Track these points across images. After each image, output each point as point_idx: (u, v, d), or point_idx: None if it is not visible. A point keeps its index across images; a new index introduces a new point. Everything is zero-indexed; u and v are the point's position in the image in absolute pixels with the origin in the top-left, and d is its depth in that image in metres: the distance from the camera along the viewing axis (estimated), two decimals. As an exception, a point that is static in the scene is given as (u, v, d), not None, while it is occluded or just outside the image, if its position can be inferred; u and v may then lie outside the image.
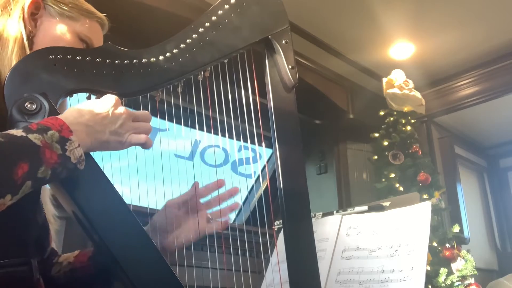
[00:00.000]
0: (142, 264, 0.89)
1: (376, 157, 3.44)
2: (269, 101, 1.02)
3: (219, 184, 1.19)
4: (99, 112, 0.88)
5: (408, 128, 3.37)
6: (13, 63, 0.92)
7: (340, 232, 1.30)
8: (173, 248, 1.10)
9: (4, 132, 0.76)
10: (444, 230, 3.16)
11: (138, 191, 0.99)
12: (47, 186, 0.99)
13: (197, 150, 2.81)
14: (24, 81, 0.88)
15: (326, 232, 1.33)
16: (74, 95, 0.96)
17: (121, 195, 0.91)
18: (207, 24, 1.02)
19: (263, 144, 1.17)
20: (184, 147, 2.31)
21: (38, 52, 0.93)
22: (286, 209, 0.96)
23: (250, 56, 1.03)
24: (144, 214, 1.03)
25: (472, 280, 3.03)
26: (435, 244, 3.06)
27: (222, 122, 1.03)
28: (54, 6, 1.02)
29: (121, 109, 0.91)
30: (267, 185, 3.18)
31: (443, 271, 2.95)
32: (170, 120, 1.02)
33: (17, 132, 0.77)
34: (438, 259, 3.03)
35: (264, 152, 1.17)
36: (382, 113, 3.47)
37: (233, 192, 1.18)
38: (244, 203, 3.29)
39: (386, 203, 1.29)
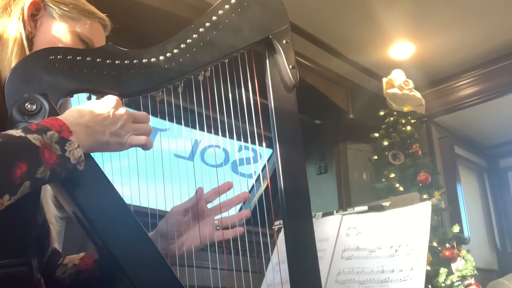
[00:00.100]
0: (142, 264, 0.89)
1: (376, 157, 3.44)
2: (270, 101, 1.02)
3: (228, 186, 1.15)
4: (99, 113, 0.88)
5: (408, 128, 3.37)
6: (13, 63, 0.92)
7: (340, 232, 1.30)
8: (177, 256, 1.10)
9: (3, 132, 0.76)
10: (444, 230, 3.15)
11: (138, 191, 0.99)
12: (49, 187, 0.99)
13: (197, 150, 2.81)
14: (24, 82, 0.88)
15: (326, 232, 1.33)
16: (74, 95, 0.96)
17: (121, 195, 0.90)
18: (207, 24, 1.02)
19: (264, 144, 1.17)
20: (184, 147, 2.30)
21: (39, 52, 0.93)
22: (286, 209, 0.96)
23: (251, 56, 1.03)
24: (145, 214, 1.03)
25: (472, 280, 3.03)
26: (435, 244, 3.06)
27: (222, 122, 1.03)
28: (54, 7, 1.02)
29: (122, 110, 0.91)
30: (267, 185, 3.18)
31: (443, 271, 2.94)
32: (170, 120, 1.02)
33: (16, 132, 0.77)
34: (438, 259, 3.03)
35: (265, 152, 1.16)
36: (382, 113, 3.47)
37: (243, 198, 1.15)
38: (244, 203, 3.29)
39: (386, 203, 1.29)
